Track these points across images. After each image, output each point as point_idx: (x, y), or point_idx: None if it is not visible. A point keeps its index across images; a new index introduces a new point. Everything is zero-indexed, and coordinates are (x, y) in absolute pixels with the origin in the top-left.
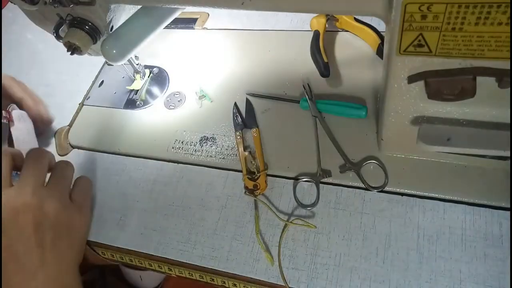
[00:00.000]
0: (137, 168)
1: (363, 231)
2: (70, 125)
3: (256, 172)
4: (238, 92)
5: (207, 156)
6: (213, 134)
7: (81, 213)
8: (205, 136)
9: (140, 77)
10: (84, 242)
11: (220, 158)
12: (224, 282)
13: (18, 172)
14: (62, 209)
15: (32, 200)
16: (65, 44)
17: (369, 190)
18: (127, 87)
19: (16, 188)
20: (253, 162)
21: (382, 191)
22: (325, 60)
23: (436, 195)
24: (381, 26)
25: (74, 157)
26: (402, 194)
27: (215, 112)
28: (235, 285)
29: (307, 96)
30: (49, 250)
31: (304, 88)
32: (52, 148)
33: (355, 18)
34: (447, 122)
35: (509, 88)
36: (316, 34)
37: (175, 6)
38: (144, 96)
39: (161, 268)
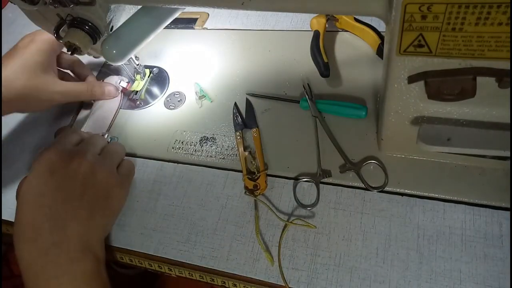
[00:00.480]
0: (137, 168)
1: (363, 231)
2: (71, 125)
3: (256, 172)
4: (238, 92)
5: (207, 156)
6: (213, 134)
7: (121, 188)
8: (205, 136)
9: (140, 77)
10: (115, 218)
11: (220, 158)
12: (224, 282)
13: None
14: (108, 176)
15: (87, 159)
16: (65, 44)
17: (369, 190)
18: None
19: (76, 148)
20: (253, 162)
21: (382, 191)
22: (325, 60)
23: (436, 195)
24: (381, 26)
25: None
26: (402, 194)
27: (215, 112)
28: (235, 285)
29: (307, 96)
30: (84, 205)
31: (304, 88)
32: None
33: (355, 18)
34: (447, 122)
35: (509, 88)
36: (316, 34)
37: (175, 6)
38: (144, 96)
39: (161, 268)
